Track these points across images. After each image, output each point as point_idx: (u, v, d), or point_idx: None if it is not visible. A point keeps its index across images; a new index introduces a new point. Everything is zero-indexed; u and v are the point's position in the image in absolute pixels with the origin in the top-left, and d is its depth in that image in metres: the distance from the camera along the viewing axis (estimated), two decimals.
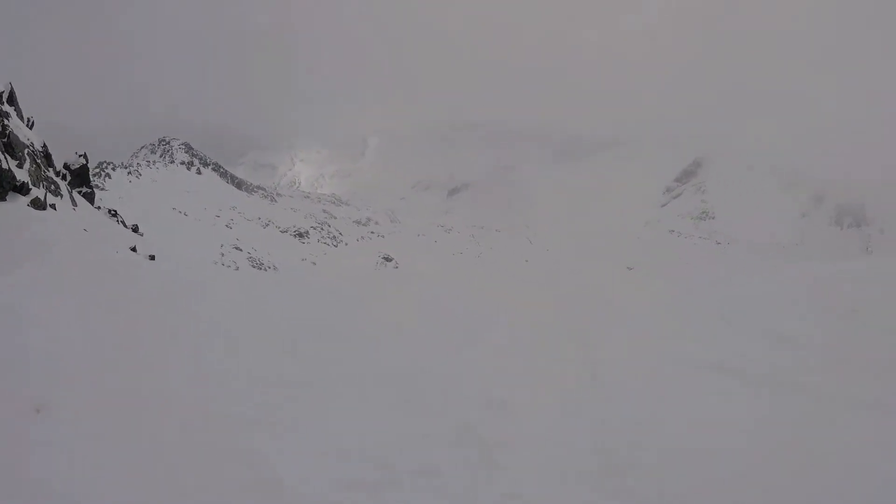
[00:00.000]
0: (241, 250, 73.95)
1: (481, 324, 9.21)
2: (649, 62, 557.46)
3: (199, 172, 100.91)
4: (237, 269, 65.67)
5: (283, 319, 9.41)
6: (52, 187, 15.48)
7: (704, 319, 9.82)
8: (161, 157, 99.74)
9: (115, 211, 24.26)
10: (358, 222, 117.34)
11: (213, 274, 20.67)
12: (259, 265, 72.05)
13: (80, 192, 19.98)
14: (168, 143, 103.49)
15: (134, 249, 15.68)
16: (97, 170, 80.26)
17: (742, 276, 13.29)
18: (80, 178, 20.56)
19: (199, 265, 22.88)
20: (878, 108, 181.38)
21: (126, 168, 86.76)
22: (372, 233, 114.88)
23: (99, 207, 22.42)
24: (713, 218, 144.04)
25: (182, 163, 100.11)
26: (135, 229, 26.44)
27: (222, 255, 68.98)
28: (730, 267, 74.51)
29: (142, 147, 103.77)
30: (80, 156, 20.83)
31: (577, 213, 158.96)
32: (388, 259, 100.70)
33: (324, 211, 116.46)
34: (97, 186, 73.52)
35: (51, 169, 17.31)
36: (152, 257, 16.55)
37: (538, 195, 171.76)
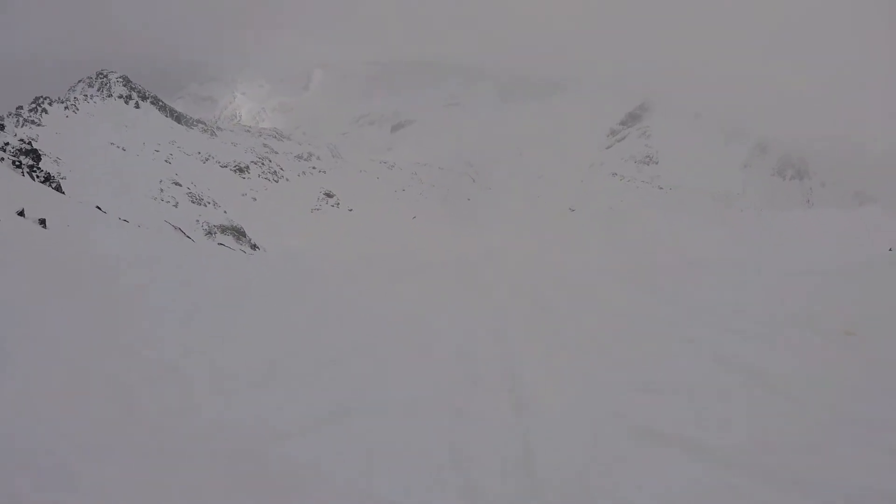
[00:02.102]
0: (180, 185, 72.77)
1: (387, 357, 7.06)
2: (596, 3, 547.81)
3: (137, 106, 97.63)
4: (176, 205, 64.45)
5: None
6: None
7: (660, 340, 7.62)
8: (99, 90, 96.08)
9: (21, 161, 22.23)
10: (299, 157, 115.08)
11: (125, 242, 18.57)
12: (198, 201, 70.64)
13: None
14: (106, 76, 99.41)
15: (22, 214, 14.04)
16: (34, 105, 77.29)
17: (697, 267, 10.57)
18: None
19: (108, 229, 20.56)
20: (823, 62, 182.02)
21: (63, 103, 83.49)
22: (314, 168, 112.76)
23: (2, 159, 20.50)
24: (657, 163, 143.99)
25: (120, 96, 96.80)
26: (47, 178, 24.07)
27: (161, 190, 67.65)
28: (676, 222, 73.35)
29: (79, 81, 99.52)
30: None
31: (521, 153, 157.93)
32: (329, 195, 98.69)
33: (265, 145, 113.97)
34: (34, 122, 71.04)
35: None
36: (42, 222, 14.72)
37: (484, 134, 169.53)
